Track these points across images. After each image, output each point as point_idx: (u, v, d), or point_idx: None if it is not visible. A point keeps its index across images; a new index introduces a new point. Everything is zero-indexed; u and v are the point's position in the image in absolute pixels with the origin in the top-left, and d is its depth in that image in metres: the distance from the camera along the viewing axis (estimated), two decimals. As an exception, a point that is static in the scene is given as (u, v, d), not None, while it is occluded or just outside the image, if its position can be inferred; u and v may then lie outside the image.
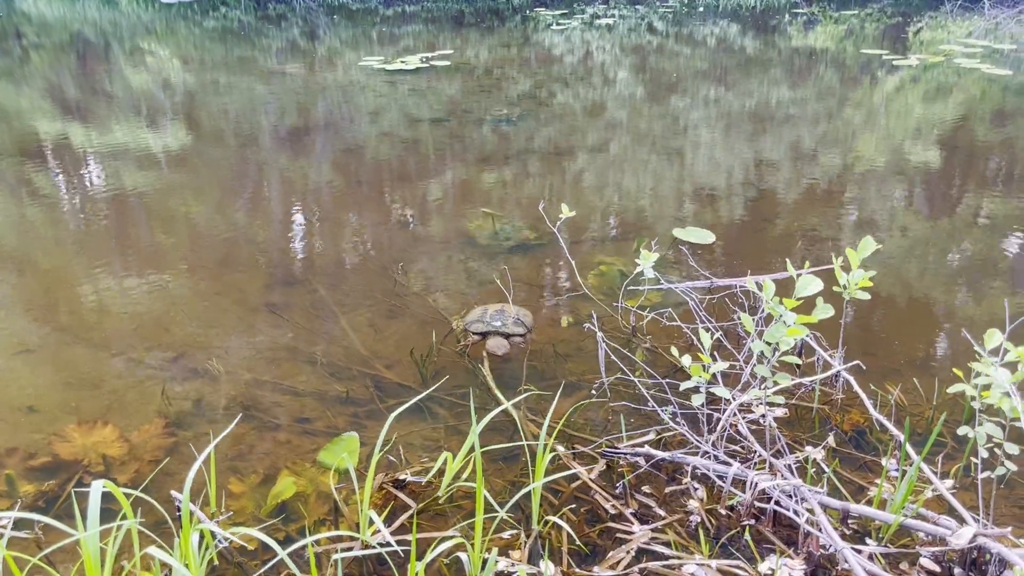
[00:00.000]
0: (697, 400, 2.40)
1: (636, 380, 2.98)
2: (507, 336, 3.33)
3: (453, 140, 6.60)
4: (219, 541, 2.26)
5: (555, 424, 2.72)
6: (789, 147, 6.38)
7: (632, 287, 3.76)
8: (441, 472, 2.56)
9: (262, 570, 2.19)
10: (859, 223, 4.72)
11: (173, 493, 2.42)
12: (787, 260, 2.77)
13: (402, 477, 2.51)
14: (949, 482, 2.41)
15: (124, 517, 2.06)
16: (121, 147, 6.34)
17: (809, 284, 2.29)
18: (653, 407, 2.80)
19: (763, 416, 2.60)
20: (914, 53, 10.40)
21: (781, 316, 2.26)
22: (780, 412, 2.78)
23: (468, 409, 2.92)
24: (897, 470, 2.47)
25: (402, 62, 9.49)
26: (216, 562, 2.22)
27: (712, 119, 7.33)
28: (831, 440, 2.65)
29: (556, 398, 2.81)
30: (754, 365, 2.41)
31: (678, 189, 5.37)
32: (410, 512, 2.38)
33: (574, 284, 3.93)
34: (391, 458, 2.69)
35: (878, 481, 2.44)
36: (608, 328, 3.48)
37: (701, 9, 16.05)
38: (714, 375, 2.57)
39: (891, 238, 4.48)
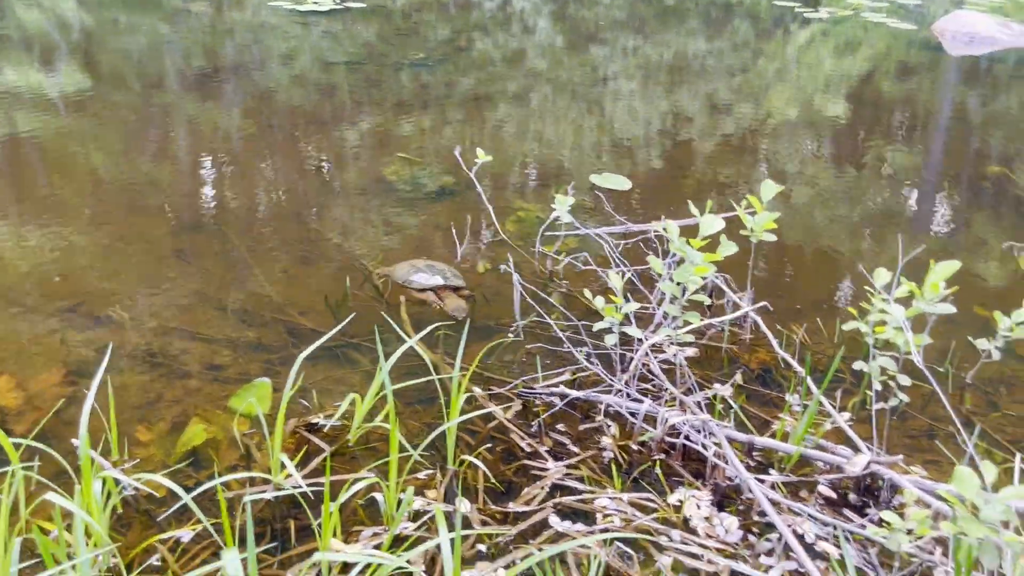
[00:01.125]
0: (610, 340, 2.44)
1: (552, 323, 3.01)
2: (455, 289, 3.27)
3: (369, 85, 6.44)
4: (125, 488, 2.20)
5: (470, 366, 2.72)
6: (705, 99, 6.47)
7: (549, 232, 3.77)
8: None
9: (167, 513, 2.14)
10: (771, 173, 4.83)
11: (73, 441, 2.33)
12: (690, 203, 2.82)
13: (315, 421, 2.49)
14: (846, 415, 2.52)
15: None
16: (13, 89, 5.97)
17: (712, 224, 2.34)
18: (569, 348, 2.83)
19: (675, 355, 2.66)
20: (824, 6, 10.60)
21: (689, 256, 2.30)
22: (691, 352, 2.85)
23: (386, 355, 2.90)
24: (800, 405, 2.57)
25: (314, 3, 9.16)
26: (121, 510, 2.16)
27: (630, 69, 7.35)
28: (739, 378, 2.73)
29: (464, 339, 2.81)
30: (665, 306, 2.45)
31: (596, 138, 5.38)
32: (323, 455, 2.36)
33: (492, 230, 3.92)
34: (305, 403, 2.66)
35: (782, 416, 2.53)
36: (526, 273, 3.49)
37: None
38: (628, 317, 2.61)
39: (800, 188, 4.61)
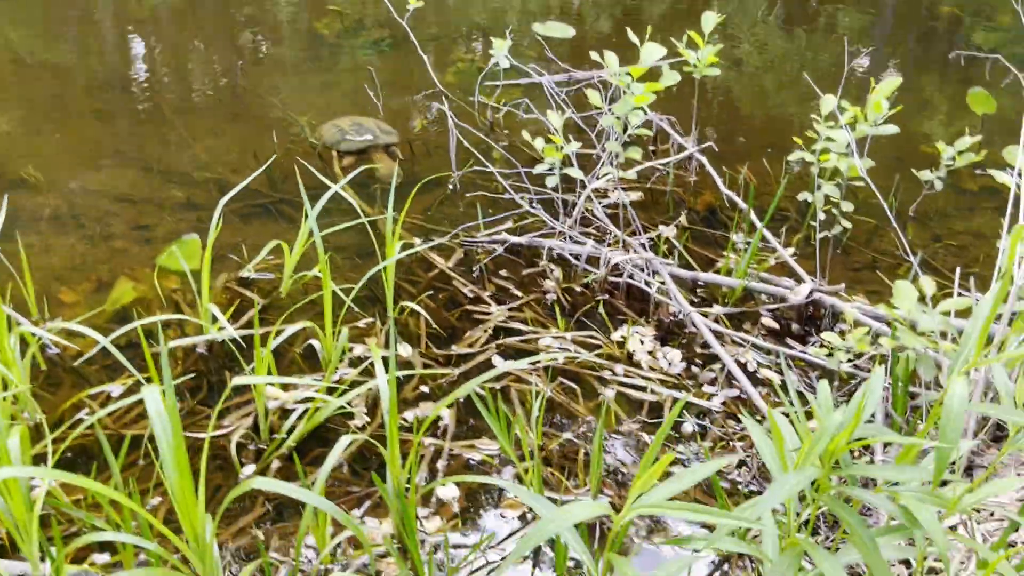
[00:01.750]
0: (551, 182, 2.36)
1: (494, 170, 2.90)
2: (387, 147, 3.12)
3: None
4: (49, 347, 2.11)
5: (409, 217, 2.64)
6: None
7: (489, 82, 3.61)
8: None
9: (92, 365, 2.07)
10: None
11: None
12: (629, 31, 2.67)
13: (246, 275, 2.40)
14: (791, 249, 2.50)
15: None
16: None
17: (653, 53, 2.22)
18: (511, 195, 2.74)
19: (618, 198, 2.59)
20: None
21: (630, 88, 2.20)
22: (635, 196, 2.79)
23: (323, 217, 2.79)
24: (744, 243, 2.55)
25: None
26: (45, 367, 2.07)
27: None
28: (683, 219, 2.69)
29: (393, 188, 2.71)
30: (606, 142, 2.36)
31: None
32: (255, 308, 2.29)
33: (428, 82, 3.73)
34: (236, 258, 2.56)
35: (726, 254, 2.51)
36: (466, 124, 3.35)
37: None
38: (569, 158, 2.52)
39: (748, 45, 4.47)
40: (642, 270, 2.28)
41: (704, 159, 2.76)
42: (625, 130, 2.31)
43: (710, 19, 2.50)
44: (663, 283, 2.25)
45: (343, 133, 3.10)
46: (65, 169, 2.99)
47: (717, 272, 2.39)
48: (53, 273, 2.47)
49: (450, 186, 2.91)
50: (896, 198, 2.82)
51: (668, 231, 2.58)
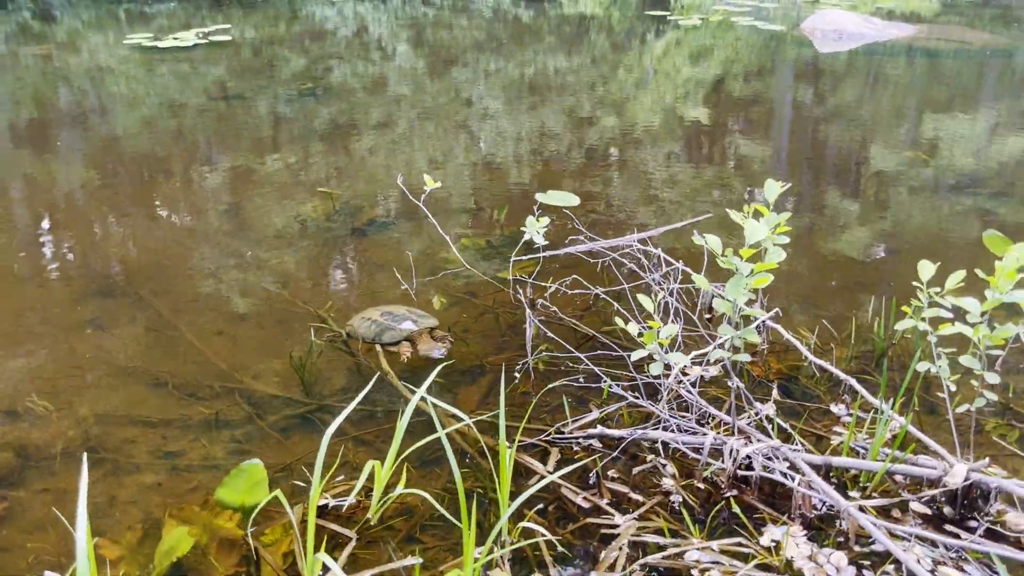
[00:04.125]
0: (655, 370, 2.17)
1: (583, 356, 2.71)
2: (430, 332, 2.91)
3: (261, 118, 5.95)
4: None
5: (476, 413, 2.39)
6: (624, 111, 6.36)
7: (517, 257, 3.47)
8: (367, 490, 2.16)
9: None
10: (714, 183, 4.74)
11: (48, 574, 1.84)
12: (730, 212, 2.61)
13: (323, 503, 2.08)
14: (900, 419, 2.35)
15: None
16: None
17: (757, 230, 2.12)
18: (606, 381, 2.54)
19: (701, 375, 2.42)
20: (695, 13, 10.87)
21: (737, 269, 2.08)
22: (713, 371, 2.63)
23: (367, 415, 2.53)
24: (849, 415, 2.39)
25: (175, 39, 8.49)
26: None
27: (528, 88, 7.18)
28: (776, 393, 2.52)
29: (431, 376, 2.48)
30: (721, 328, 2.21)
31: (528, 155, 5.14)
32: (351, 545, 1.97)
33: (438, 262, 3.58)
34: (300, 483, 2.24)
35: (838, 429, 2.34)
36: (501, 304, 3.18)
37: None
38: (664, 343, 2.35)
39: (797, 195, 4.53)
40: (769, 459, 2.08)
41: (778, 326, 2.64)
42: (734, 311, 2.16)
43: (773, 188, 2.44)
44: (796, 471, 2.05)
45: (380, 325, 2.87)
46: (71, 393, 2.65)
47: (837, 452, 2.21)
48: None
49: (516, 374, 2.69)
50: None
51: (767, 409, 2.40)
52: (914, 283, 2.18)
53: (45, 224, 4.04)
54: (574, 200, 4.01)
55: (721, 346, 2.25)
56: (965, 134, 5.49)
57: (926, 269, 2.17)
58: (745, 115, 6.14)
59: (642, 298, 2.24)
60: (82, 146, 5.36)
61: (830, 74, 7.52)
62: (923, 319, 2.14)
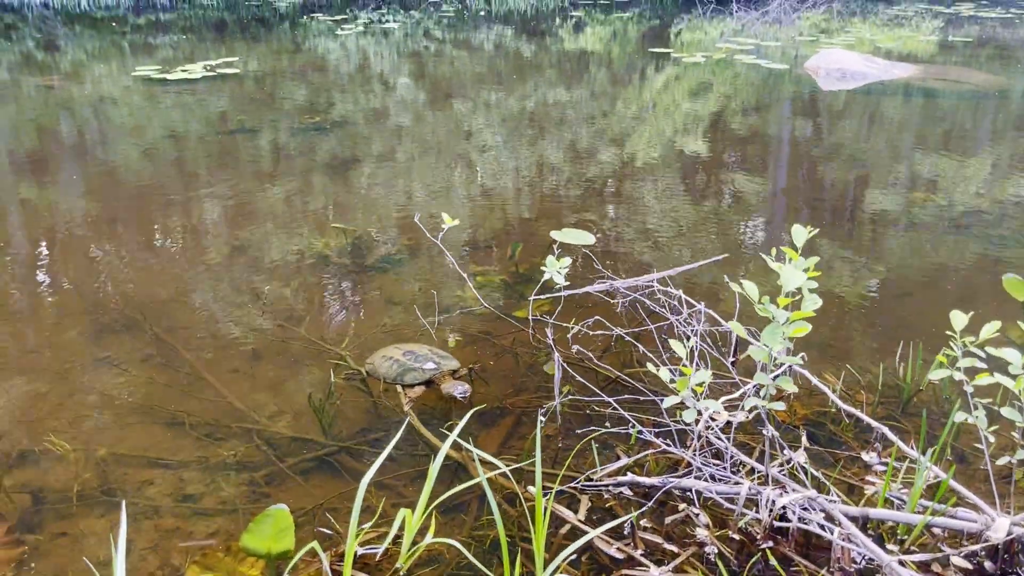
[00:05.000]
0: (689, 416, 2.14)
1: (612, 400, 2.67)
2: (452, 373, 2.87)
3: (271, 152, 5.95)
4: None
5: (498, 458, 2.35)
6: (637, 146, 6.38)
7: (536, 296, 3.45)
8: (397, 538, 2.11)
9: None
10: (736, 222, 4.74)
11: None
12: (766, 257, 2.60)
13: (355, 552, 2.03)
14: (936, 469, 2.32)
15: None
16: None
17: (794, 276, 2.10)
18: (634, 426, 2.51)
19: (728, 422, 2.39)
20: (698, 51, 10.98)
21: (774, 317, 2.05)
22: (742, 416, 2.59)
23: (390, 459, 2.48)
24: (882, 463, 2.36)
25: (184, 71, 8.53)
26: None
27: (535, 123, 7.21)
28: (805, 440, 2.49)
29: (461, 421, 2.44)
30: (757, 376, 2.18)
31: (538, 191, 5.14)
32: (381, 598, 1.92)
33: (453, 299, 3.55)
34: (325, 531, 2.19)
35: (870, 478, 2.31)
36: (520, 343, 3.15)
37: (481, 13, 16.08)
38: (696, 389, 2.32)
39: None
40: (805, 509, 2.05)
41: (806, 371, 2.62)
42: (771, 359, 2.14)
43: (800, 233, 2.43)
44: (833, 522, 2.01)
45: (402, 365, 2.84)
46: (87, 432, 2.60)
47: (871, 502, 2.18)
48: (103, 568, 2.05)
49: (542, 418, 2.65)
50: None
51: (798, 456, 2.37)
52: (947, 332, 2.16)
53: (57, 259, 4.01)
54: (590, 239, 4.00)
55: (756, 393, 2.22)
56: (974, 175, 5.52)
57: (958, 319, 2.15)
58: (758, 154, 6.16)
59: (674, 343, 2.21)
60: (98, 179, 5.35)
61: (840, 113, 7.57)
62: (958, 368, 2.12)
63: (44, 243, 4.18)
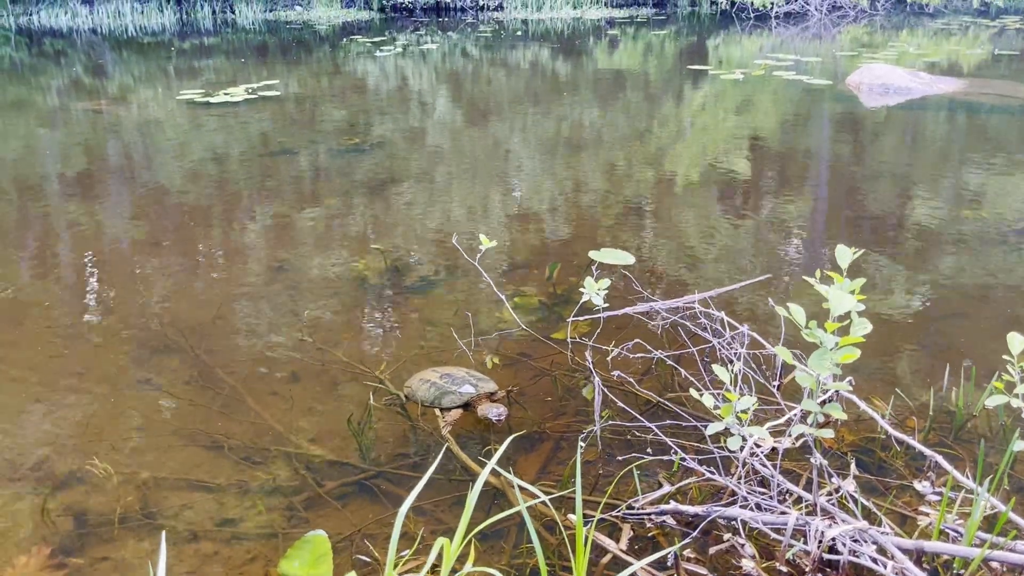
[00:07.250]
0: (733, 444, 2.09)
1: (654, 426, 2.63)
2: (490, 396, 2.85)
3: (311, 173, 6.01)
4: None
5: (531, 481, 2.31)
6: (677, 165, 6.34)
7: (573, 318, 3.42)
8: (435, 566, 2.09)
9: None
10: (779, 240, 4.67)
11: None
12: (811, 280, 2.54)
13: (392, 582, 2.01)
14: (995, 500, 2.23)
15: None
16: None
17: (842, 300, 2.04)
18: (677, 452, 2.46)
19: (775, 448, 2.33)
20: (737, 68, 10.90)
21: (821, 342, 2.00)
22: (788, 443, 2.53)
23: (427, 484, 2.46)
24: (936, 493, 2.28)
25: (226, 94, 8.68)
26: None
27: (572, 142, 7.20)
28: (854, 469, 2.42)
29: (500, 446, 2.41)
30: (804, 402, 2.12)
31: (574, 210, 5.11)
32: (419, 629, 1.89)
33: (491, 321, 3.53)
34: (363, 558, 2.17)
35: (923, 508, 2.23)
36: (558, 366, 3.12)
37: (518, 33, 16.15)
38: (741, 416, 2.27)
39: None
40: (856, 541, 1.98)
41: (854, 396, 2.55)
42: (819, 385, 2.08)
43: (845, 253, 2.36)
44: (886, 555, 1.94)
45: (440, 388, 2.82)
46: (130, 456, 2.62)
47: (925, 534, 2.10)
48: (142, 596, 2.05)
49: (581, 443, 2.61)
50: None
51: (848, 485, 2.30)
52: (1003, 356, 2.08)
53: (102, 280, 4.07)
54: (629, 259, 3.96)
55: (802, 419, 2.16)
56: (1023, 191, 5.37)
57: (1016, 341, 2.08)
58: (798, 172, 6.08)
59: (718, 369, 2.16)
60: (143, 200, 5.44)
61: (883, 128, 7.45)
62: (1016, 395, 2.04)
63: (89, 264, 4.25)
